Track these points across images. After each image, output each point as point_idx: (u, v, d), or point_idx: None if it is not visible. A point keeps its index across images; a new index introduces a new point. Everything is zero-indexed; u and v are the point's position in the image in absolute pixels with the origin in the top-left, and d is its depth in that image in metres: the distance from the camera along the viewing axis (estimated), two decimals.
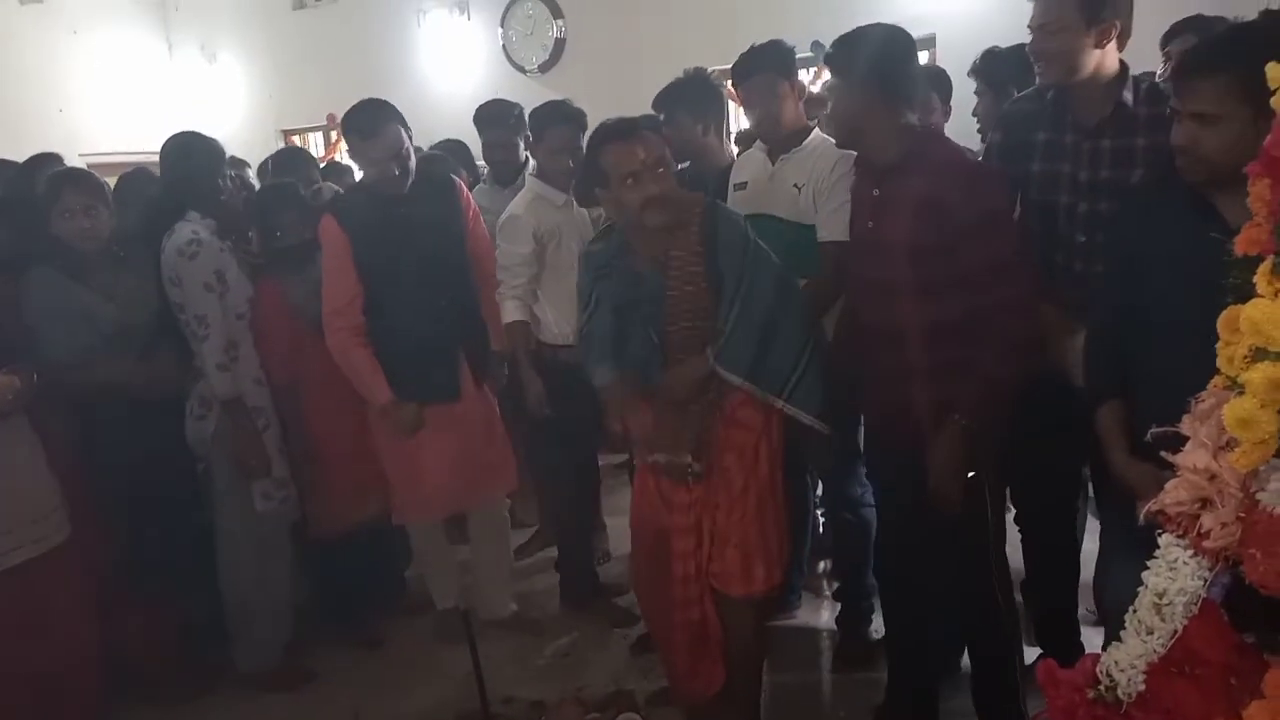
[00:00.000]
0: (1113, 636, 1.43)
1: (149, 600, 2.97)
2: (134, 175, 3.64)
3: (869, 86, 2.23)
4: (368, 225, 2.93)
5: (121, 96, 7.65)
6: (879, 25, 2.33)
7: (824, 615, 3.32)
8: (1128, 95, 2.26)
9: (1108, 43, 2.22)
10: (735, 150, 3.35)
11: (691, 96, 3.14)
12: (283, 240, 3.16)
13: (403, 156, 2.91)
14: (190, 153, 3.02)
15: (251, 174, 4.61)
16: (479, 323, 3.19)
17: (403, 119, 2.97)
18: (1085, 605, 2.78)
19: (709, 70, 3.22)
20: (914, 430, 2.28)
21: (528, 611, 3.50)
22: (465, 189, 3.20)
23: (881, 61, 2.24)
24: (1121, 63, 2.27)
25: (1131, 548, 1.72)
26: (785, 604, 3.32)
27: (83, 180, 2.92)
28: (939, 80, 3.67)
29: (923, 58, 5.31)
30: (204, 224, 2.95)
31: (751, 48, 2.84)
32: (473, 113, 3.82)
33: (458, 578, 3.47)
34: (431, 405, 3.03)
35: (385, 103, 2.98)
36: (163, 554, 2.92)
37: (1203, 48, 1.80)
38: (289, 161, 4.18)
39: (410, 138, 2.99)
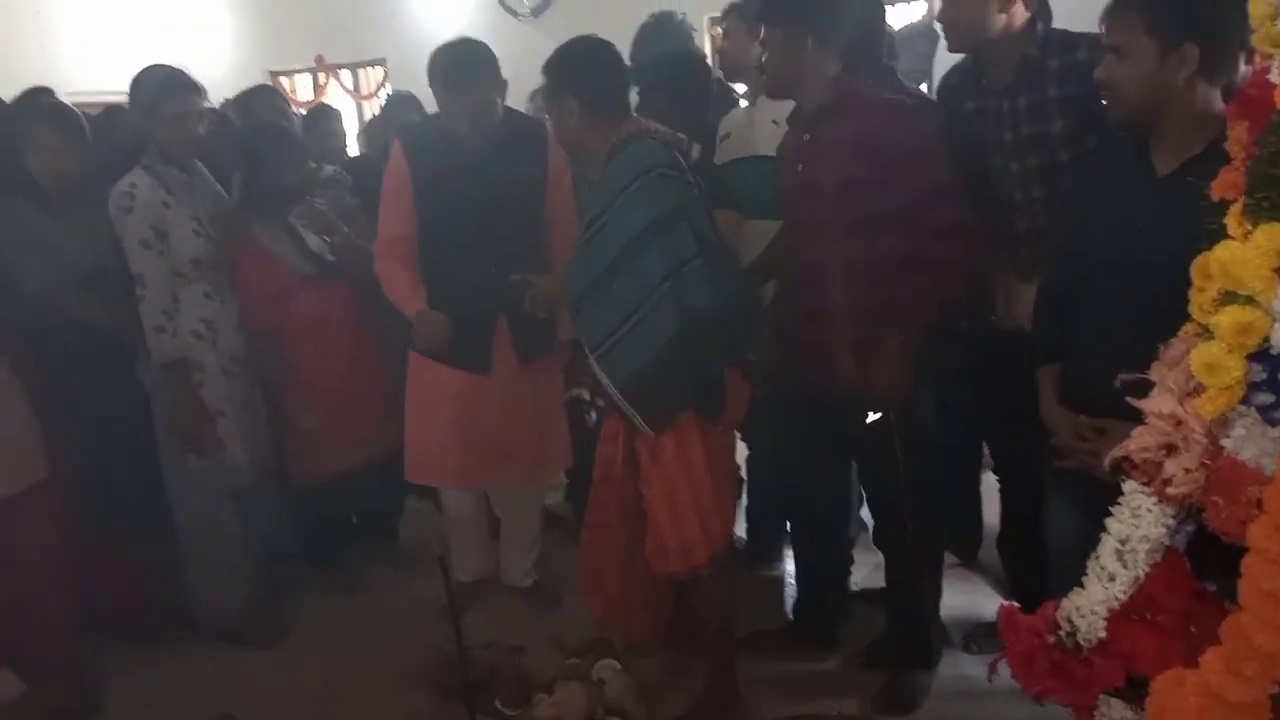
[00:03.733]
0: (1055, 578, 1.44)
1: (120, 544, 2.97)
2: (106, 115, 3.56)
3: (797, 34, 2.31)
4: (432, 165, 2.78)
5: (105, 36, 7.52)
6: None
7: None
8: (1034, 51, 2.28)
9: (1013, 4, 2.25)
10: None
11: (674, 40, 3.13)
12: (267, 179, 3.07)
13: (485, 117, 2.71)
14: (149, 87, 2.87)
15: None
16: None
17: (497, 73, 2.75)
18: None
19: (693, 17, 3.19)
20: (837, 368, 2.36)
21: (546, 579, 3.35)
22: (558, 148, 2.79)
23: (809, 9, 2.32)
24: (1031, 18, 2.28)
25: (1069, 494, 1.88)
26: (767, 556, 3.36)
27: (58, 117, 2.85)
28: (930, 35, 3.66)
29: (920, 10, 5.30)
30: (156, 172, 2.82)
31: None
32: None
33: (482, 552, 3.29)
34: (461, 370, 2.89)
35: (481, 51, 2.74)
36: (128, 498, 2.90)
37: None
38: (259, 100, 3.99)
39: (504, 94, 2.79)
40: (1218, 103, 1.80)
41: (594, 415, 2.47)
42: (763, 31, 2.44)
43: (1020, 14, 2.27)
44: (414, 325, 2.84)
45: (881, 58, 2.64)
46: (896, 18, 5.05)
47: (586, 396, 2.46)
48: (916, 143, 2.27)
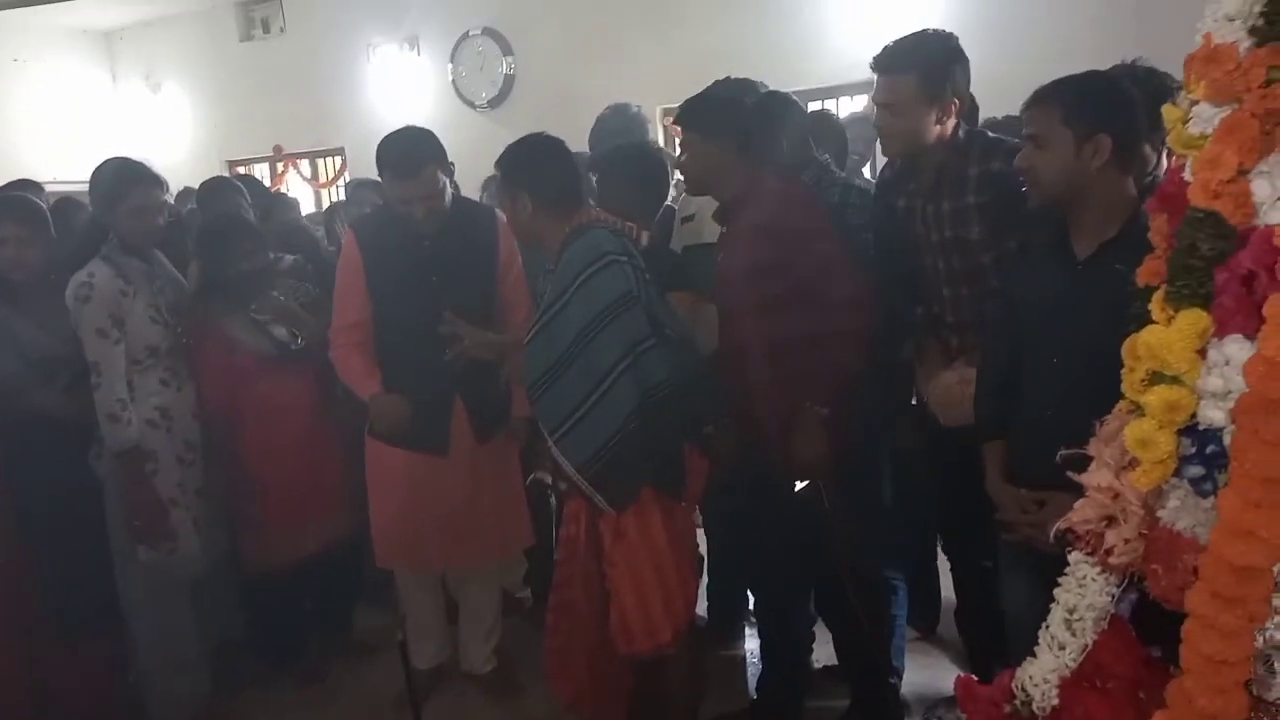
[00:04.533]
0: (1014, 649, 1.49)
1: (74, 639, 2.88)
2: (61, 203, 3.57)
3: (712, 140, 2.51)
4: (385, 252, 2.82)
5: (64, 126, 7.57)
6: (730, 82, 2.67)
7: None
8: (952, 159, 2.39)
9: (948, 119, 2.36)
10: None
11: (633, 131, 3.24)
12: (228, 269, 3.09)
13: (435, 200, 2.74)
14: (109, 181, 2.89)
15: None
16: (492, 377, 2.88)
17: (443, 155, 2.77)
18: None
19: (647, 108, 3.32)
20: (766, 441, 2.46)
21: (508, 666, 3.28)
22: (508, 233, 2.86)
23: (721, 119, 2.53)
24: (958, 126, 2.40)
25: (1021, 565, 1.96)
26: (729, 635, 3.36)
27: (18, 209, 2.85)
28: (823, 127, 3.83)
29: (861, 102, 5.53)
30: (115, 262, 2.83)
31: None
32: None
33: (440, 639, 3.24)
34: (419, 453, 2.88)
35: (426, 137, 2.79)
36: (84, 591, 2.84)
37: (1046, 84, 2.00)
38: (218, 191, 3.98)
39: (451, 177, 2.81)
40: (1130, 189, 1.93)
41: (554, 499, 2.49)
42: (681, 135, 2.61)
43: (952, 123, 2.38)
44: (371, 408, 2.85)
45: (780, 149, 2.75)
46: (844, 107, 5.29)
47: (548, 480, 2.49)
48: (806, 225, 2.43)
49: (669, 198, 3.27)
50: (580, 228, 2.40)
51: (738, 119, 2.56)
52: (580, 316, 2.28)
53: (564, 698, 2.64)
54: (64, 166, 6.92)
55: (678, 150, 2.86)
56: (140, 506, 2.81)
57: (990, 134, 2.48)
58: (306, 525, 3.14)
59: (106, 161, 3.01)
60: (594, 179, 3.03)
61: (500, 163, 2.53)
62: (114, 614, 2.94)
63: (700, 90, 2.69)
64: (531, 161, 2.50)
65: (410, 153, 2.73)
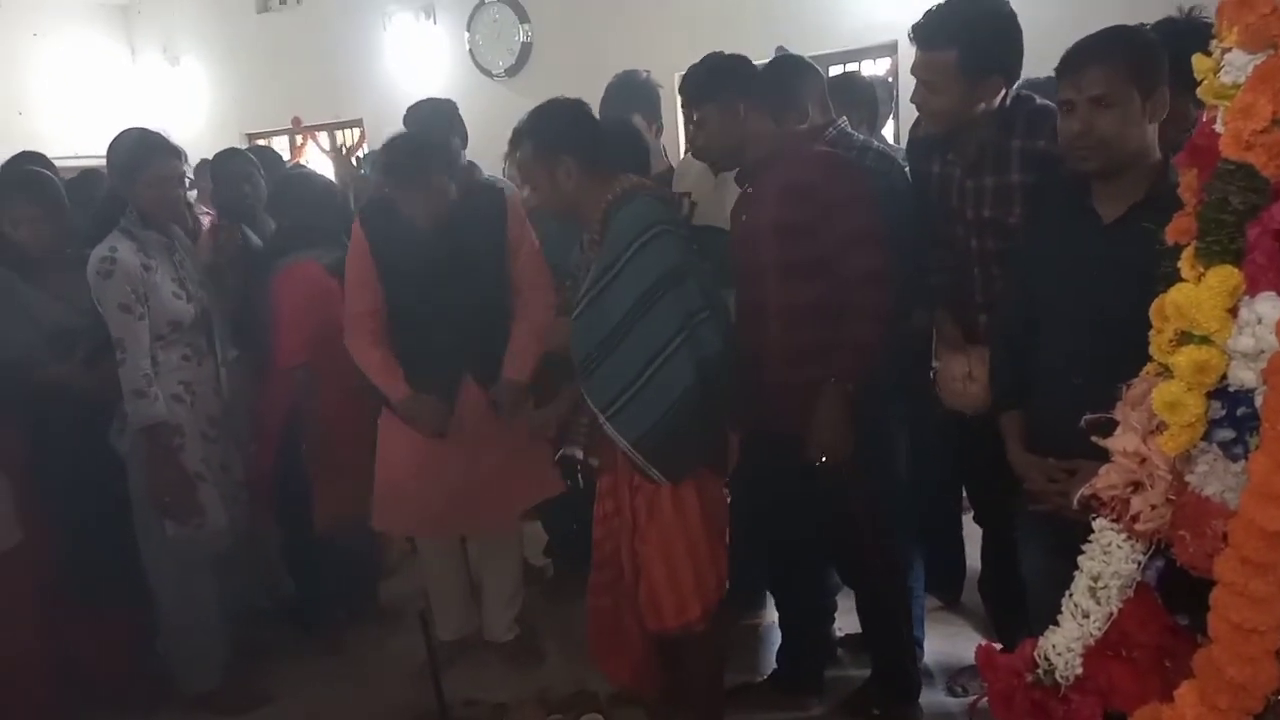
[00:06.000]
0: (1033, 618, 1.46)
1: (97, 611, 2.93)
2: (82, 177, 3.57)
3: (730, 104, 2.43)
4: (392, 241, 2.81)
5: (83, 100, 7.59)
6: (721, 54, 2.55)
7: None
8: (995, 133, 2.27)
9: (994, 95, 2.24)
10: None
11: (642, 97, 3.18)
12: (306, 217, 3.17)
13: (436, 205, 2.74)
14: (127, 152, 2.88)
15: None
16: (500, 347, 2.90)
17: (444, 161, 2.78)
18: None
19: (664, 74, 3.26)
20: (789, 409, 2.38)
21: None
22: (517, 213, 2.92)
23: (737, 78, 2.45)
24: (1005, 95, 2.27)
25: (1037, 531, 1.94)
26: (751, 604, 3.35)
27: (34, 188, 2.84)
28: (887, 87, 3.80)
29: (884, 65, 5.44)
30: (135, 235, 2.81)
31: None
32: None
33: (463, 611, 3.26)
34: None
35: (428, 142, 2.80)
36: (106, 563, 2.86)
37: (1093, 40, 1.88)
38: (231, 162, 3.84)
39: (455, 180, 2.81)
40: (1157, 148, 1.86)
41: (581, 476, 2.47)
42: (694, 114, 2.53)
43: (996, 97, 2.25)
44: (404, 411, 2.86)
45: (804, 110, 2.68)
46: (864, 72, 5.20)
47: (578, 455, 2.45)
48: (843, 191, 2.33)
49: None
50: (626, 194, 2.32)
51: (749, 80, 2.49)
52: (633, 289, 2.23)
53: (617, 679, 2.64)
54: (84, 140, 6.94)
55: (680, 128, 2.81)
56: (168, 482, 2.80)
57: (1038, 100, 2.31)
58: (369, 483, 3.08)
59: (124, 132, 2.98)
60: None
61: (534, 129, 2.40)
62: (138, 585, 2.96)
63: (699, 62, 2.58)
64: (572, 123, 2.41)
65: (413, 161, 2.72)
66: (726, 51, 2.61)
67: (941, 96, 2.24)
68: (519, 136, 2.43)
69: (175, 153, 2.93)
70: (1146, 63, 1.82)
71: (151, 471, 2.80)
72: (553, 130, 2.38)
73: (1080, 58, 1.87)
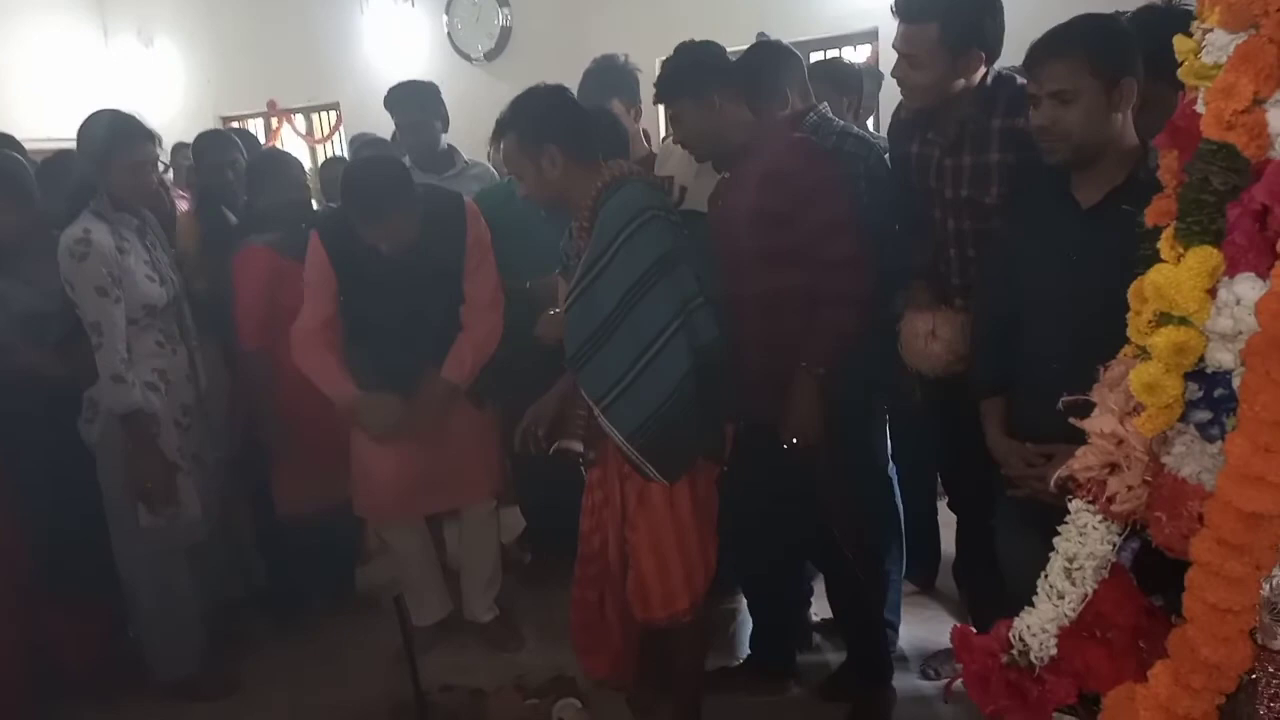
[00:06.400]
0: (1010, 602, 1.46)
1: (69, 600, 2.89)
2: (54, 160, 3.51)
3: (704, 97, 2.39)
4: (350, 256, 2.79)
5: (56, 82, 7.46)
6: (691, 44, 2.50)
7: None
8: (976, 111, 2.27)
9: (974, 72, 2.24)
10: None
11: (620, 82, 3.16)
12: (276, 198, 3.13)
13: (400, 237, 2.72)
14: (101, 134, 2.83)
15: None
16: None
17: (410, 197, 2.73)
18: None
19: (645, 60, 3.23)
20: (766, 396, 2.38)
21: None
22: (477, 224, 2.91)
23: (707, 71, 2.42)
24: (985, 74, 2.27)
25: (1016, 516, 1.93)
26: (725, 589, 3.35)
27: None
28: (875, 74, 3.84)
29: (865, 52, 5.44)
30: (107, 218, 2.76)
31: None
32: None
33: (439, 593, 3.25)
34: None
35: (393, 175, 2.75)
36: (77, 553, 2.83)
37: (1054, 34, 1.89)
38: (215, 143, 3.81)
39: (415, 212, 2.75)
40: (1134, 135, 1.87)
41: (583, 468, 2.45)
42: (670, 110, 2.50)
43: (977, 74, 2.25)
44: (358, 409, 2.86)
45: (784, 97, 2.68)
46: (846, 58, 5.20)
47: (577, 448, 2.42)
48: (818, 178, 2.33)
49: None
50: (615, 181, 2.28)
51: (722, 70, 2.46)
52: (625, 277, 2.18)
53: (597, 672, 2.62)
54: (57, 123, 6.83)
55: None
56: (149, 470, 2.76)
57: (1019, 80, 2.28)
58: (334, 468, 3.11)
59: (95, 115, 2.91)
60: None
61: (517, 118, 2.34)
62: (109, 575, 2.93)
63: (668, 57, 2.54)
64: (556, 111, 2.36)
65: (380, 200, 2.69)
66: (708, 38, 2.58)
67: (922, 71, 2.24)
68: (501, 128, 2.38)
69: (149, 136, 2.88)
70: (1108, 54, 1.82)
71: (132, 459, 2.76)
72: (535, 120, 2.33)
73: (1041, 52, 1.89)
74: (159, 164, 2.98)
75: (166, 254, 2.97)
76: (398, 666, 2.84)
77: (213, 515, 3.05)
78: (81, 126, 2.88)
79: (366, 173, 2.79)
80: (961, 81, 2.24)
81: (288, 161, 3.28)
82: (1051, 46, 1.87)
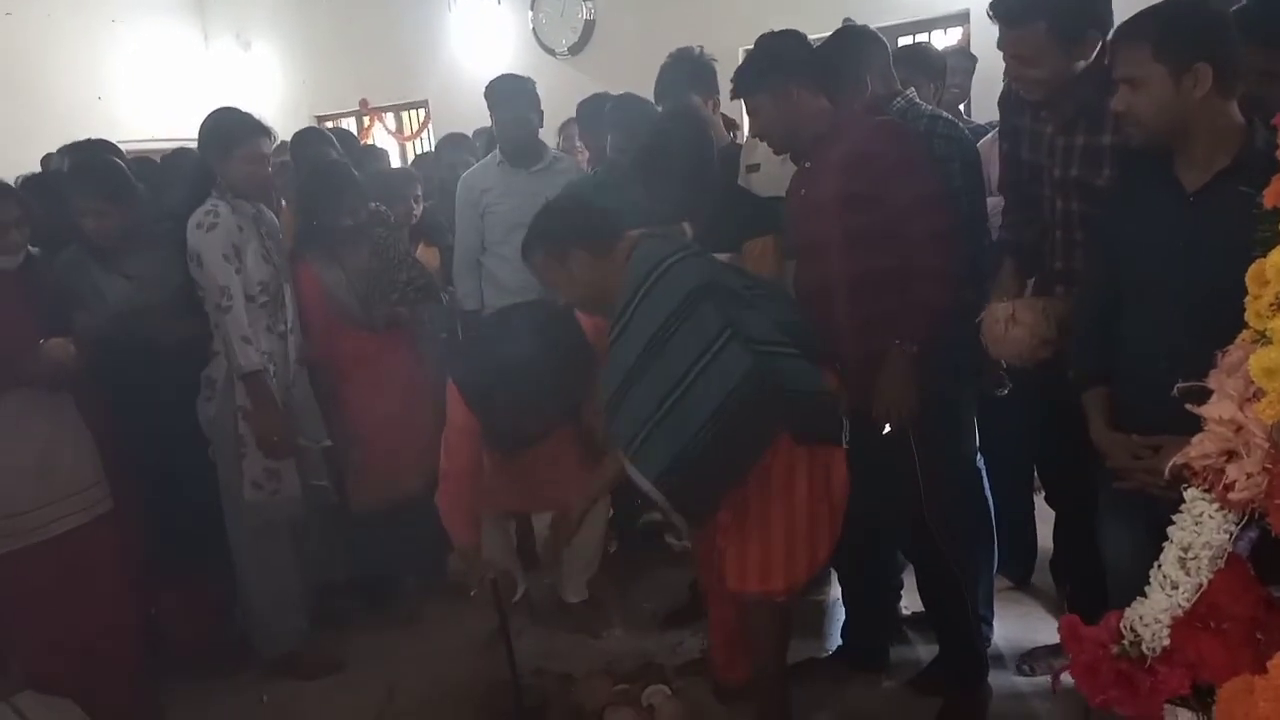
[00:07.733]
0: (1114, 598, 1.43)
1: (181, 576, 3.02)
2: (174, 155, 3.66)
3: (781, 90, 2.40)
4: (488, 397, 2.70)
5: (159, 85, 7.80)
6: (769, 36, 2.51)
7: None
8: (1093, 93, 2.16)
9: (1090, 53, 2.14)
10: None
11: (697, 74, 3.16)
12: (327, 221, 3.21)
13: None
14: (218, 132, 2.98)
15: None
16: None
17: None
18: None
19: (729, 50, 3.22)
20: (858, 380, 2.38)
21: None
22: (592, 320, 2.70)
23: (784, 64, 2.42)
24: (1099, 54, 2.17)
25: (1122, 510, 1.88)
26: (817, 579, 3.33)
27: (90, 180, 2.90)
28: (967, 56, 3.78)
29: (955, 35, 5.33)
30: (229, 203, 2.92)
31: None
32: None
33: (516, 580, 3.30)
34: None
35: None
36: (187, 531, 2.95)
37: (1131, 19, 1.85)
38: (310, 142, 3.98)
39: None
40: (1237, 115, 1.79)
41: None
42: (749, 105, 2.51)
43: (1094, 51, 2.15)
44: (459, 553, 2.95)
45: (863, 83, 2.62)
46: (936, 43, 5.11)
47: (657, 518, 2.46)
48: (904, 157, 2.33)
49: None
50: (633, 248, 2.35)
51: (798, 61, 2.45)
52: (647, 325, 2.23)
53: (737, 685, 2.69)
54: (160, 124, 7.16)
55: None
56: (270, 424, 2.91)
57: None
58: (403, 468, 3.22)
59: (218, 110, 3.08)
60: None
61: (537, 238, 2.43)
62: (222, 556, 3.06)
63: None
64: (569, 216, 2.43)
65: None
66: (791, 27, 2.57)
67: (1037, 68, 2.16)
68: (528, 251, 2.45)
69: (266, 131, 3.04)
70: (1175, 39, 1.76)
71: (259, 413, 2.90)
72: (553, 230, 2.41)
73: (1115, 38, 1.88)
74: (269, 159, 3.10)
75: (276, 243, 3.10)
76: (489, 649, 2.90)
77: (313, 495, 3.16)
78: (204, 121, 3.03)
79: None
80: (1081, 63, 2.16)
81: (342, 187, 3.27)
82: (1123, 31, 1.86)
